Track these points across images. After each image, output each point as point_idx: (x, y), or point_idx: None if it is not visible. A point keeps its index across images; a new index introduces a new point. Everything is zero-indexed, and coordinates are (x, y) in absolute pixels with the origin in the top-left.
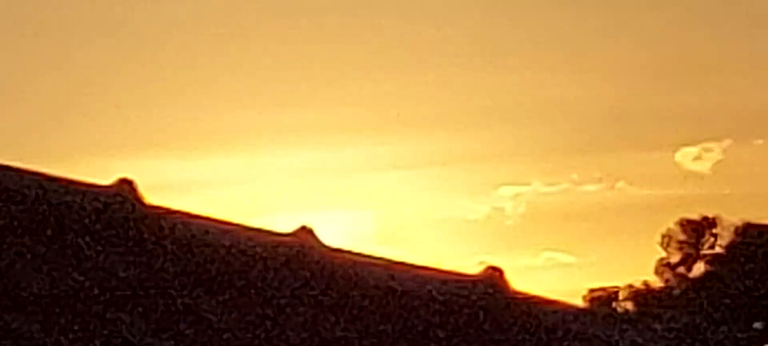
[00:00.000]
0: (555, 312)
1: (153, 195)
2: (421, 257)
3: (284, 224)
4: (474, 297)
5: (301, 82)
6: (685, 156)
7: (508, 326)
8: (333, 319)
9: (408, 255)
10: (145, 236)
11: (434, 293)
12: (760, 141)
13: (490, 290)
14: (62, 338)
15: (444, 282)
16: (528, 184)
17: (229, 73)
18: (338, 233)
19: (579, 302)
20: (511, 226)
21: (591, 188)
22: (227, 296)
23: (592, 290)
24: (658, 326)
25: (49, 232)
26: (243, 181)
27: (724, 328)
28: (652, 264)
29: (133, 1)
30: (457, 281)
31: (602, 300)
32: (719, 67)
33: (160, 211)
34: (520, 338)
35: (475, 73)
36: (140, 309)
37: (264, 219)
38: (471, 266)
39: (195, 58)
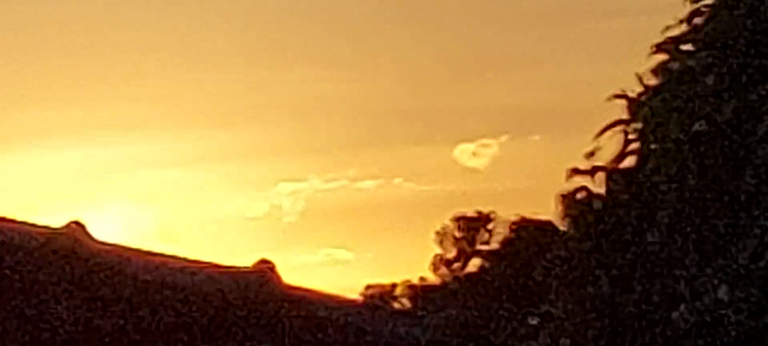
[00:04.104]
0: (328, 306)
1: None
2: (198, 254)
3: (59, 220)
4: (245, 291)
5: (73, 80)
6: (463, 152)
7: (280, 317)
8: (105, 312)
9: (186, 252)
10: None
11: (206, 286)
12: (537, 137)
13: (261, 284)
14: None
15: (215, 276)
16: (305, 180)
17: None
18: (115, 230)
19: (355, 297)
20: (290, 223)
21: (368, 183)
22: None
23: (368, 286)
24: (432, 321)
25: None
26: (17, 179)
27: (497, 323)
28: (429, 260)
29: None
30: (228, 275)
31: (378, 296)
32: (497, 63)
33: None
34: (292, 329)
35: (250, 69)
36: None
37: (39, 217)
38: (249, 263)
39: None
